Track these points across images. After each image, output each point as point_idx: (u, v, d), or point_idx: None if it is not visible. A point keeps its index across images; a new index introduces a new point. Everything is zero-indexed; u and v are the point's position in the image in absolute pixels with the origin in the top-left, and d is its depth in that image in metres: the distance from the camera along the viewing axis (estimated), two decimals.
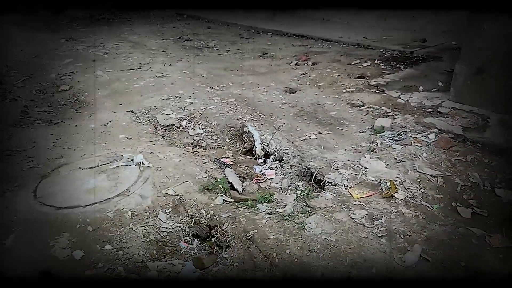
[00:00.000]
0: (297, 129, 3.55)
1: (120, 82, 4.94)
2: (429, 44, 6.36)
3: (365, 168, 2.74)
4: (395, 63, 5.48)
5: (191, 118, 3.89)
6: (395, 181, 2.55)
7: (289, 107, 4.07)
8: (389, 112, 3.80)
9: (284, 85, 4.82)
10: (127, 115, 3.93)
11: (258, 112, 3.93)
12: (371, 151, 2.99)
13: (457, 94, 3.81)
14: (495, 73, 3.47)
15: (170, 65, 5.76)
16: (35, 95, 4.55)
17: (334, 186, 2.60)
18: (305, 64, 5.73)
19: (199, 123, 3.80)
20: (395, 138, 3.13)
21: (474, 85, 3.65)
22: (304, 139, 3.34)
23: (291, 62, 5.83)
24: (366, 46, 6.50)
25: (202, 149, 3.47)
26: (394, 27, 7.61)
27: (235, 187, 2.80)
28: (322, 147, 3.18)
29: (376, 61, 5.56)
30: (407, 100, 4.06)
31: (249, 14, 9.70)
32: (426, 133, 3.24)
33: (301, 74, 5.20)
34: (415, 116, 3.66)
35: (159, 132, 3.66)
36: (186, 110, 4.05)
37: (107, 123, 3.72)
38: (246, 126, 3.62)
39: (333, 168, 2.80)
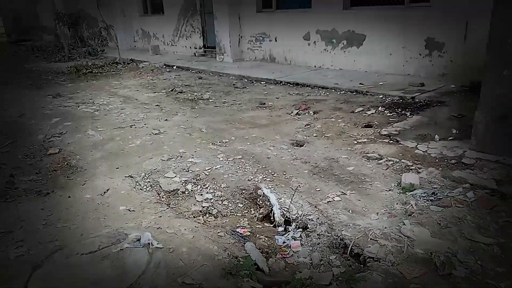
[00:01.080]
0: (317, 189, 3.24)
1: (115, 142, 4.60)
2: (427, 88, 6.32)
3: (408, 238, 2.41)
4: (399, 109, 5.34)
5: (196, 180, 3.54)
6: (448, 253, 2.23)
7: (302, 163, 3.78)
8: (411, 165, 3.54)
9: (290, 137, 4.57)
10: (126, 181, 3.56)
11: (269, 171, 3.62)
12: (409, 215, 2.68)
13: (479, 143, 3.61)
14: None
15: (166, 120, 5.48)
16: (22, 161, 4.15)
17: (378, 263, 2.25)
18: (306, 114, 5.54)
19: (207, 186, 3.45)
20: (430, 198, 2.84)
21: (497, 133, 3.46)
22: (328, 202, 3.02)
23: (292, 112, 5.63)
24: (364, 93, 6.40)
25: (213, 217, 3.10)
26: (387, 72, 7.63)
27: (261, 267, 2.41)
28: (350, 211, 2.86)
29: (380, 108, 5.41)
30: (426, 150, 3.84)
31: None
32: (459, 189, 2.98)
33: (305, 125, 4.97)
34: (440, 169, 3.42)
35: (163, 199, 3.29)
36: (190, 171, 3.71)
37: (104, 192, 3.34)
38: (260, 188, 3.28)
39: (370, 239, 2.47)
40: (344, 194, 3.12)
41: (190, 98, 6.83)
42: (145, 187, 3.46)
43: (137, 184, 3.51)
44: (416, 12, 7.00)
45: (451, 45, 6.63)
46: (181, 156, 4.07)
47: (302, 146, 4.32)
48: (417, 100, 5.75)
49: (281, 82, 7.74)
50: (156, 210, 3.05)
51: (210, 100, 6.61)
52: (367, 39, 7.86)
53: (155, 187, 3.46)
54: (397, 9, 7.30)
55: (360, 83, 6.91)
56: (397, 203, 2.88)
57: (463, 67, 6.27)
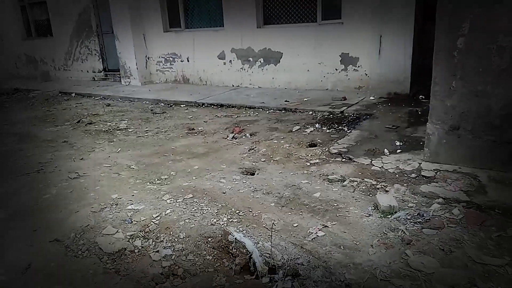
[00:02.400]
0: (294, 225, 2.86)
1: (22, 195, 3.63)
2: (350, 102, 6.48)
3: (420, 272, 2.17)
4: (335, 125, 5.32)
5: (146, 233, 2.88)
6: (468, 284, 2.03)
7: (264, 195, 3.38)
8: (376, 185, 3.40)
9: (237, 165, 4.14)
10: (52, 248, 2.73)
11: (232, 209, 3.13)
12: (407, 244, 2.46)
13: (433, 154, 3.65)
14: (470, 129, 3.40)
15: (82, 159, 4.58)
16: None
17: None
18: (244, 137, 5.17)
19: (161, 239, 2.82)
20: (418, 220, 2.68)
21: (450, 144, 3.53)
22: (313, 239, 2.66)
23: (227, 136, 5.21)
24: (293, 110, 6.31)
25: (179, 279, 2.49)
26: (307, 87, 7.72)
27: None
28: (341, 247, 2.54)
29: (316, 125, 5.31)
30: (382, 166, 3.76)
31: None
32: (436, 205, 2.90)
33: (248, 150, 4.59)
34: (406, 185, 3.33)
35: (108, 265, 2.57)
36: (134, 222, 3.02)
37: (26, 269, 2.48)
38: (230, 233, 2.78)
39: (381, 279, 2.17)
40: (326, 226, 2.80)
41: (104, 129, 5.93)
42: (80, 252, 2.68)
43: (68, 250, 2.71)
44: (329, 28, 7.23)
45: (365, 60, 6.96)
46: (116, 204, 3.34)
47: (254, 174, 3.93)
48: (346, 114, 5.82)
49: (203, 104, 7.27)
50: (103, 284, 2.34)
51: (130, 130, 5.82)
52: (284, 57, 7.88)
53: (93, 251, 2.70)
54: (311, 27, 7.46)
55: (286, 101, 6.83)
56: (386, 231, 2.66)
57: (378, 80, 6.60)
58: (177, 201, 3.34)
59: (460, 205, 2.86)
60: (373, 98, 6.61)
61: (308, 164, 4.03)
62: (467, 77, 3.29)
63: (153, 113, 6.91)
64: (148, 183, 3.79)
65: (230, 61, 8.61)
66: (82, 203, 3.39)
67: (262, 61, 8.18)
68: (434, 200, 3.02)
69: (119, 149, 4.91)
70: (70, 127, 6.18)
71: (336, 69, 7.36)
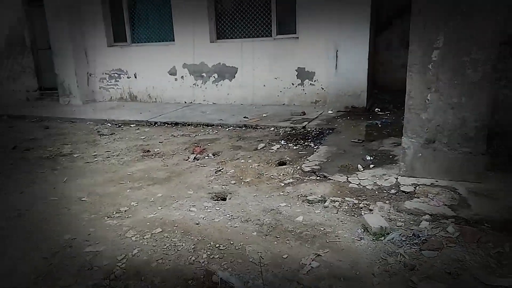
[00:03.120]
0: (283, 256, 2.58)
1: None
2: (310, 116, 6.42)
3: None
4: (301, 141, 5.17)
5: (111, 281, 2.44)
6: None
7: (243, 223, 3.06)
8: (358, 204, 3.24)
9: (206, 190, 3.79)
10: None
11: (211, 243, 2.78)
12: (410, 270, 2.28)
13: (409, 169, 3.58)
14: (446, 142, 3.38)
15: (21, 193, 3.95)
16: None
17: None
18: (206, 157, 4.83)
19: (132, 285, 2.40)
20: (415, 242, 2.53)
21: (426, 157, 3.48)
22: (308, 271, 2.39)
23: (188, 158, 4.83)
24: (254, 127, 6.08)
25: None
26: (263, 103, 7.57)
27: None
28: (341, 279, 2.30)
29: (281, 142, 5.13)
30: (359, 183, 3.63)
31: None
32: (426, 223, 2.79)
33: (215, 172, 4.26)
34: (388, 202, 3.21)
35: None
36: (94, 268, 2.56)
37: None
38: (214, 273, 2.43)
39: None
40: (319, 255, 2.55)
41: (44, 156, 5.26)
42: None
43: None
44: (284, 43, 7.17)
45: (322, 74, 6.97)
46: (70, 246, 2.84)
47: (226, 199, 3.60)
48: (309, 129, 5.71)
49: (155, 123, 6.80)
50: None
51: (75, 155, 5.21)
52: (239, 72, 7.68)
53: None
54: (266, 41, 7.36)
55: (245, 117, 6.60)
56: (384, 256, 2.47)
57: (336, 94, 6.61)
58: (144, 237, 2.91)
59: (449, 221, 2.77)
60: (332, 112, 6.60)
61: (282, 184, 3.79)
62: (442, 90, 3.27)
63: (100, 134, 6.31)
64: (106, 217, 3.30)
65: (182, 76, 8.23)
66: (28, 246, 2.84)
67: (216, 76, 7.91)
68: (421, 217, 2.91)
69: (65, 178, 4.32)
70: (3, 154, 5.41)
71: (293, 84, 7.29)
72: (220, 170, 4.29)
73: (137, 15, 8.49)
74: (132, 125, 6.85)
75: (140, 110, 7.74)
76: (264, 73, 7.44)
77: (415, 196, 3.25)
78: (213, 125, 6.36)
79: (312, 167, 4.11)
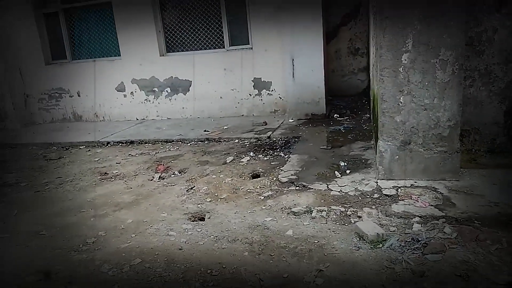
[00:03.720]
0: (284, 276, 2.40)
1: None
2: (272, 126, 6.36)
3: None
4: (270, 151, 5.05)
5: None
6: None
7: (230, 244, 2.84)
8: (345, 211, 3.16)
9: (180, 211, 3.51)
10: None
11: (201, 269, 2.52)
12: (420, 276, 2.21)
13: (387, 171, 3.59)
14: (421, 143, 3.44)
15: None
16: None
17: None
18: (172, 175, 4.53)
19: None
20: (416, 246, 2.48)
21: (403, 159, 3.51)
22: None
23: (153, 178, 4.50)
24: (217, 140, 5.87)
25: None
26: (221, 115, 7.38)
27: None
28: None
29: (250, 154, 4.97)
30: (341, 190, 3.56)
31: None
32: (418, 226, 2.77)
33: (186, 190, 3.98)
34: (375, 208, 3.16)
35: None
36: None
37: None
38: None
39: None
40: (321, 271, 2.41)
41: None
42: None
43: None
44: (238, 54, 7.06)
45: (279, 83, 6.94)
46: None
47: (205, 219, 3.35)
48: (274, 139, 5.61)
49: (108, 143, 6.32)
50: None
51: (22, 185, 4.64)
52: (193, 85, 7.43)
53: None
54: (219, 53, 7.20)
55: (205, 130, 6.36)
56: (388, 264, 2.39)
57: (296, 102, 6.61)
58: (123, 270, 2.59)
59: (441, 222, 2.78)
60: (293, 120, 6.58)
61: (262, 197, 3.62)
62: (414, 92, 3.32)
63: (47, 159, 5.72)
64: (72, 251, 2.91)
65: (132, 92, 7.79)
66: None
67: (169, 90, 7.58)
68: (411, 219, 2.89)
69: (16, 211, 3.80)
70: None
71: (250, 95, 7.19)
72: (191, 188, 4.02)
73: (77, 30, 7.93)
74: (81, 147, 6.30)
75: (88, 130, 7.18)
76: (220, 85, 7.26)
77: (399, 199, 3.24)
78: (173, 141, 6.04)
79: (289, 177, 3.99)
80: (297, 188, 3.73)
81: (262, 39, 6.85)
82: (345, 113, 6.78)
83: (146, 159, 5.26)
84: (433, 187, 3.35)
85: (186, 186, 4.10)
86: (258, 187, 3.88)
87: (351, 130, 5.66)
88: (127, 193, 4.07)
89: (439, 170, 3.44)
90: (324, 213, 3.16)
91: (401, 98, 3.37)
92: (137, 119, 7.84)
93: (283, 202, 3.45)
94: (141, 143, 6.13)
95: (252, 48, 6.98)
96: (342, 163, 4.21)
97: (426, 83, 3.28)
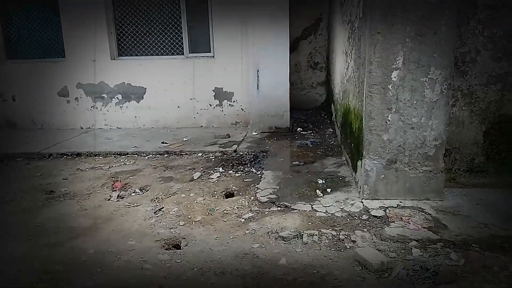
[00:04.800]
0: None
1: None
2: (235, 138, 6.10)
3: None
4: (240, 166, 4.76)
5: None
6: None
7: (219, 277, 2.49)
8: (337, 235, 2.96)
9: (151, 238, 3.08)
10: None
11: None
12: None
13: (372, 191, 3.47)
14: (407, 162, 3.37)
15: None
16: None
17: None
18: (133, 194, 4.05)
19: None
20: (426, 276, 2.33)
21: (389, 178, 3.42)
22: None
23: (111, 197, 3.98)
24: (178, 153, 5.45)
25: None
26: (178, 126, 6.96)
27: None
28: None
29: (220, 170, 4.64)
30: (326, 211, 3.37)
31: None
32: (420, 253, 2.65)
33: (154, 212, 3.54)
34: (367, 231, 3.00)
35: None
36: None
37: None
38: None
39: None
40: None
41: None
42: None
43: None
44: (199, 62, 6.71)
45: (241, 94, 6.70)
46: None
47: (180, 246, 2.96)
48: (241, 153, 5.32)
49: (50, 155, 5.58)
50: None
51: None
52: (148, 92, 6.91)
53: None
54: (178, 59, 6.78)
55: (163, 142, 5.89)
56: None
57: (259, 115, 6.39)
58: None
59: (439, 245, 2.68)
60: (256, 133, 6.35)
61: (242, 220, 3.31)
62: (402, 110, 3.25)
63: None
64: None
65: (76, 98, 7.05)
66: None
67: (120, 97, 6.97)
68: (408, 244, 2.76)
69: None
70: None
71: (210, 105, 6.84)
72: (160, 210, 3.58)
73: (15, 26, 7.03)
74: (18, 159, 5.50)
75: (25, 140, 6.32)
76: (178, 94, 6.83)
77: (390, 220, 3.12)
78: (128, 153, 5.48)
79: (268, 196, 3.72)
80: (279, 208, 3.47)
81: (225, 48, 6.57)
82: (307, 127, 6.69)
83: (98, 175, 4.68)
84: (420, 207, 3.29)
85: (153, 207, 3.65)
86: (235, 207, 3.56)
87: (318, 145, 5.55)
88: (82, 216, 3.52)
89: (423, 190, 3.39)
90: (315, 238, 2.93)
91: (389, 116, 3.28)
92: (81, 128, 7.09)
93: (268, 226, 3.16)
94: (90, 156, 5.49)
95: (214, 56, 6.67)
96: (320, 181, 4.04)
97: (415, 102, 3.22)
